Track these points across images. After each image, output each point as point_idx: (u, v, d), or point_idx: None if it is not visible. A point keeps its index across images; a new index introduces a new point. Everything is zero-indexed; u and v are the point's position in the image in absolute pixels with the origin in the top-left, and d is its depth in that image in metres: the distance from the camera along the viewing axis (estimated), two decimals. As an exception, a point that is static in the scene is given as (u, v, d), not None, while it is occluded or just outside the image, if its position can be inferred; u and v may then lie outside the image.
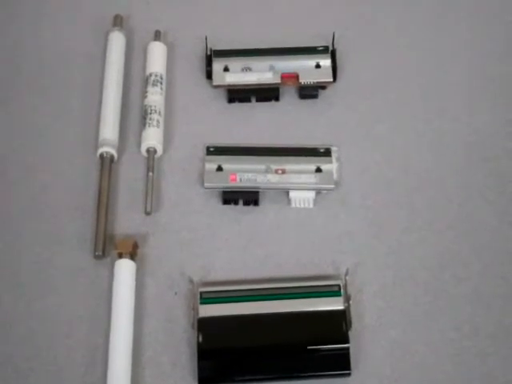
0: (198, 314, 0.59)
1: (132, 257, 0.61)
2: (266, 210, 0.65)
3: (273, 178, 0.65)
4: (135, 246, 0.62)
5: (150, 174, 0.65)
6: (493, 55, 0.74)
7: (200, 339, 0.58)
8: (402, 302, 0.61)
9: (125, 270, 0.60)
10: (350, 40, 0.73)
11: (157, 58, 0.71)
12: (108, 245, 0.62)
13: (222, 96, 0.71)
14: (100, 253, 0.61)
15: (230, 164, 0.66)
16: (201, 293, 0.60)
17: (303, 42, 0.72)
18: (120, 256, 0.61)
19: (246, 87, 0.70)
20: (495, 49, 0.74)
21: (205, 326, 0.58)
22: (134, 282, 0.61)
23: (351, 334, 0.59)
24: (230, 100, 0.70)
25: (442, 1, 0.77)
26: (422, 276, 0.62)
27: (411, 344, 0.60)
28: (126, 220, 0.64)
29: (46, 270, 0.63)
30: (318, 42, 0.72)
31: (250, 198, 0.65)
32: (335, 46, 0.71)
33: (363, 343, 0.59)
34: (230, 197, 0.65)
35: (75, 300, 0.61)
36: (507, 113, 0.71)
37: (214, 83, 0.70)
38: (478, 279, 0.62)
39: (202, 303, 0.59)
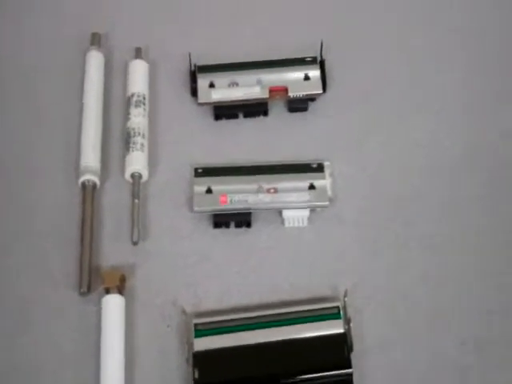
0: (192, 348, 0.57)
1: (120, 291, 0.59)
2: (258, 231, 0.64)
3: (265, 198, 0.64)
4: (123, 279, 0.60)
5: (136, 200, 0.63)
6: (488, 62, 0.72)
7: (196, 375, 0.56)
8: (403, 320, 0.60)
9: (113, 306, 0.58)
10: (339, 49, 0.72)
11: (138, 77, 0.69)
12: (94, 279, 0.60)
13: (208, 113, 0.69)
14: (85, 290, 0.59)
15: (219, 185, 0.64)
16: (195, 325, 0.58)
17: (290, 54, 0.70)
18: (107, 291, 0.59)
19: (233, 103, 0.68)
20: (490, 56, 0.73)
21: (200, 360, 0.57)
22: (124, 318, 0.59)
23: (353, 356, 0.57)
24: (217, 117, 0.69)
25: (433, 7, 0.75)
26: (422, 292, 0.61)
27: (414, 364, 0.58)
28: (112, 251, 0.62)
29: (28, 308, 0.60)
30: (306, 53, 0.70)
31: (241, 219, 0.64)
32: (324, 56, 0.69)
33: (365, 366, 0.58)
34: (221, 220, 0.64)
35: (61, 340, 0.59)
36: (504, 122, 0.69)
37: (200, 100, 0.68)
38: (479, 292, 0.61)
39: (196, 336, 0.57)
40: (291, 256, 0.63)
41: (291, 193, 0.64)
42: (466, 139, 0.68)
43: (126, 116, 0.67)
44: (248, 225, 0.64)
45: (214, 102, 0.68)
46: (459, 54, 0.72)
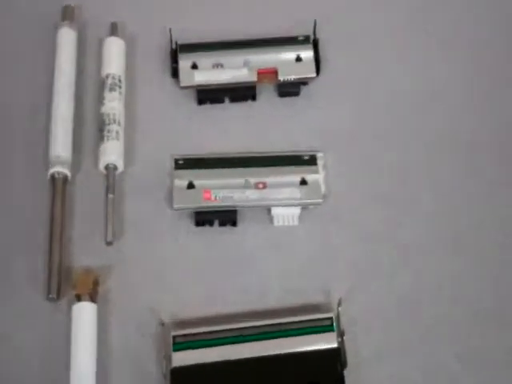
0: (170, 362, 0.54)
1: (92, 297, 0.56)
2: (245, 230, 0.61)
3: (252, 194, 0.61)
4: (95, 284, 0.57)
5: (111, 195, 0.60)
6: (485, 48, 0.70)
7: (174, 393, 0.53)
8: (399, 328, 0.58)
9: (84, 315, 0.55)
10: (334, 27, 0.69)
11: (114, 56, 0.66)
12: (64, 282, 0.57)
13: (190, 97, 0.66)
14: (54, 295, 0.56)
15: (202, 179, 0.61)
16: (173, 337, 0.55)
17: (281, 32, 0.68)
18: (78, 298, 0.56)
19: (218, 86, 0.65)
20: (487, 42, 0.70)
21: (179, 377, 0.54)
22: (96, 328, 0.55)
23: (347, 370, 0.54)
24: (200, 101, 0.66)
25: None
26: (420, 298, 0.59)
27: (410, 378, 0.56)
28: (84, 251, 0.60)
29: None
30: (298, 31, 0.67)
31: (226, 217, 0.61)
32: (317, 35, 0.67)
33: (360, 380, 0.55)
34: (204, 218, 0.61)
35: (26, 352, 0.56)
36: (498, 119, 0.67)
37: (182, 84, 0.65)
38: (475, 295, 0.59)
39: (175, 350, 0.54)
40: (281, 258, 0.60)
41: (281, 188, 0.61)
42: (468, 127, 0.66)
43: (101, 101, 0.64)
44: (233, 223, 0.61)
45: (197, 85, 0.65)
46: (458, 42, 0.70)
